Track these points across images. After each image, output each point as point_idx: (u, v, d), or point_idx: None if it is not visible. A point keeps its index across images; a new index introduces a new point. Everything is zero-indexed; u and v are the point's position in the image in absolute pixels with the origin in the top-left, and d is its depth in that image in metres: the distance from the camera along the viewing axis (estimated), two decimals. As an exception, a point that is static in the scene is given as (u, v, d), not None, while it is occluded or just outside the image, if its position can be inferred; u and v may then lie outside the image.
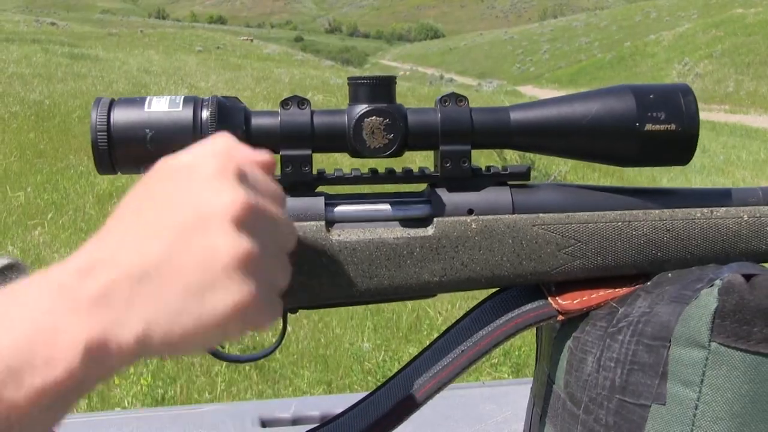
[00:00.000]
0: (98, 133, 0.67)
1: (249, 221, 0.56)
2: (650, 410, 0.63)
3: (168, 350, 0.53)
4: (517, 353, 3.90)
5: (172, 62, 19.17)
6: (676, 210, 0.74)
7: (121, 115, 0.68)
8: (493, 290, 0.79)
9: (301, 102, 0.71)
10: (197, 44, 29.11)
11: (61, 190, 6.97)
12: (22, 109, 10.24)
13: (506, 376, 3.74)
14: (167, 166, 0.59)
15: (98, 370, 0.49)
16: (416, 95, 15.11)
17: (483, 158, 7.03)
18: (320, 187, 0.74)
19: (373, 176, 0.74)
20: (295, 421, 1.44)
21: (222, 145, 0.60)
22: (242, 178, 0.58)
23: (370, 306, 4.21)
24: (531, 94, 26.64)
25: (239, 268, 0.54)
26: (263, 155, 0.63)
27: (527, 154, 5.63)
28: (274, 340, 0.80)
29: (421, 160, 5.77)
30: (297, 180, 0.72)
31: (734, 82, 25.39)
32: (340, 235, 0.72)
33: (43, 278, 0.50)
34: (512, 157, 6.86)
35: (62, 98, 11.25)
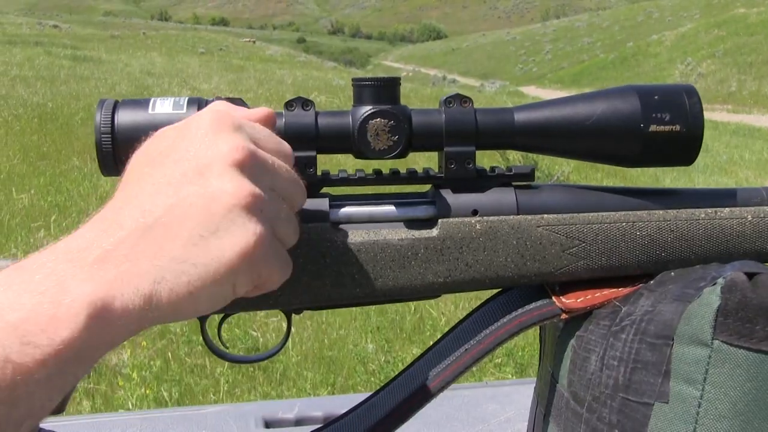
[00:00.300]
0: (102, 135, 0.67)
1: (248, 166, 0.56)
2: (653, 408, 0.63)
3: (175, 310, 0.52)
4: (520, 353, 3.90)
5: (175, 64, 19.19)
6: (680, 210, 0.74)
7: (125, 117, 0.68)
8: (497, 290, 0.79)
9: (305, 103, 0.71)
10: (200, 46, 29.15)
11: (65, 192, 6.98)
12: (25, 112, 10.26)
13: (509, 376, 3.74)
14: (163, 130, 0.59)
15: (104, 332, 0.48)
16: (419, 96, 15.14)
17: (486, 158, 7.02)
18: (325, 188, 0.74)
19: (378, 177, 0.74)
20: (299, 422, 1.44)
21: (216, 106, 0.61)
22: (239, 129, 0.58)
23: (373, 307, 4.21)
24: (534, 95, 26.63)
25: (242, 209, 0.54)
26: (260, 110, 0.63)
27: (530, 155, 5.62)
28: (278, 342, 0.80)
29: (424, 160, 5.77)
30: None
31: (737, 81, 25.36)
32: (344, 236, 0.72)
33: (53, 249, 0.50)
34: (515, 157, 6.86)
35: (65, 100, 11.27)
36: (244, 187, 0.55)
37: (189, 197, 0.53)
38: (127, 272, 0.50)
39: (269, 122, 0.64)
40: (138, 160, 0.58)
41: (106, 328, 0.47)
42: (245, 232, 0.54)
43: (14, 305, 0.45)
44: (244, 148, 0.56)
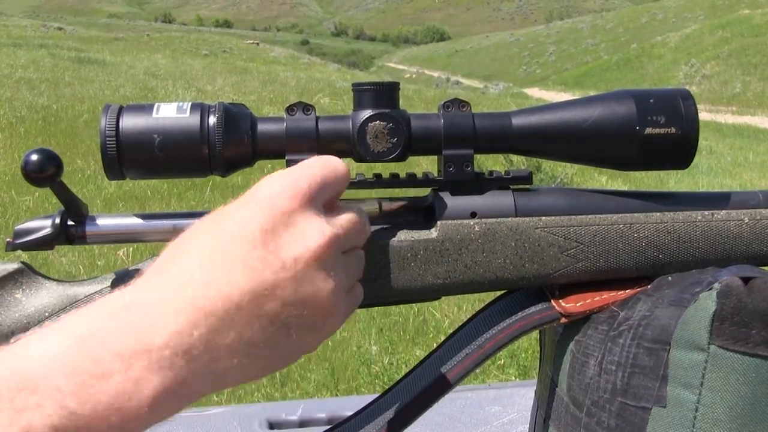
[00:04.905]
0: (107, 139, 0.68)
1: (332, 257, 0.58)
2: (651, 413, 0.64)
3: (231, 384, 0.54)
4: (523, 355, 3.90)
5: (179, 66, 19.22)
6: (677, 212, 0.75)
7: (130, 122, 0.68)
8: (497, 293, 0.80)
9: (306, 108, 0.72)
10: (203, 48, 29.20)
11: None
12: (30, 114, 10.27)
13: (513, 377, 3.74)
14: (229, 208, 0.58)
15: (168, 411, 0.50)
16: (422, 98, 15.13)
17: (490, 161, 7.02)
18: None
19: (378, 180, 0.74)
20: (302, 423, 1.44)
21: (286, 177, 0.60)
22: (316, 205, 0.59)
23: (376, 309, 4.21)
24: (537, 96, 26.61)
25: (330, 307, 0.57)
26: (333, 168, 0.63)
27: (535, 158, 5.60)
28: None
29: (428, 164, 5.77)
30: None
31: (741, 83, 25.31)
32: None
33: (117, 319, 0.50)
34: (519, 160, 6.86)
35: (69, 102, 11.28)
36: (334, 288, 0.57)
37: (273, 286, 0.54)
38: (205, 368, 0.51)
39: (343, 181, 0.64)
40: (203, 229, 0.57)
41: (162, 414, 0.50)
42: (330, 326, 0.58)
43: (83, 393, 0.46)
44: (328, 243, 0.57)
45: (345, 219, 0.61)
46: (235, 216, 0.56)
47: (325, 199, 0.61)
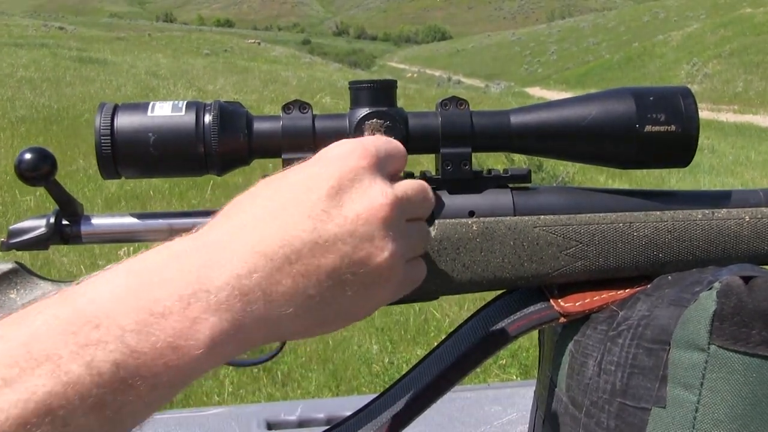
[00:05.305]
0: (102, 138, 0.67)
1: (396, 219, 0.59)
2: (651, 413, 0.63)
3: (299, 338, 0.56)
4: (524, 354, 3.90)
5: (180, 65, 19.23)
6: (677, 211, 0.74)
7: (125, 120, 0.68)
8: (497, 292, 0.79)
9: (302, 106, 0.71)
10: (205, 47, 29.22)
11: (70, 193, 6.96)
12: (31, 113, 10.28)
13: (514, 377, 3.74)
14: (301, 166, 0.60)
15: (223, 355, 0.50)
16: (424, 97, 15.11)
17: (491, 160, 7.01)
18: None
19: None
20: (301, 424, 1.44)
21: (359, 143, 0.61)
22: (382, 169, 0.61)
23: (377, 308, 4.19)
24: (539, 96, 26.59)
25: (390, 271, 0.58)
26: (394, 146, 0.64)
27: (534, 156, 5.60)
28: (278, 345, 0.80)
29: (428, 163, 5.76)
30: None
31: (743, 82, 25.27)
32: None
33: (180, 262, 0.51)
34: (520, 159, 6.85)
35: (71, 102, 11.29)
36: (393, 251, 0.57)
37: (334, 239, 0.55)
38: (260, 313, 0.51)
39: (403, 158, 0.66)
40: (273, 182, 0.59)
41: (217, 357, 0.50)
42: (385, 292, 0.59)
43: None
44: (391, 204, 0.58)
45: (409, 185, 0.62)
46: (306, 171, 0.58)
47: (388, 170, 0.62)
